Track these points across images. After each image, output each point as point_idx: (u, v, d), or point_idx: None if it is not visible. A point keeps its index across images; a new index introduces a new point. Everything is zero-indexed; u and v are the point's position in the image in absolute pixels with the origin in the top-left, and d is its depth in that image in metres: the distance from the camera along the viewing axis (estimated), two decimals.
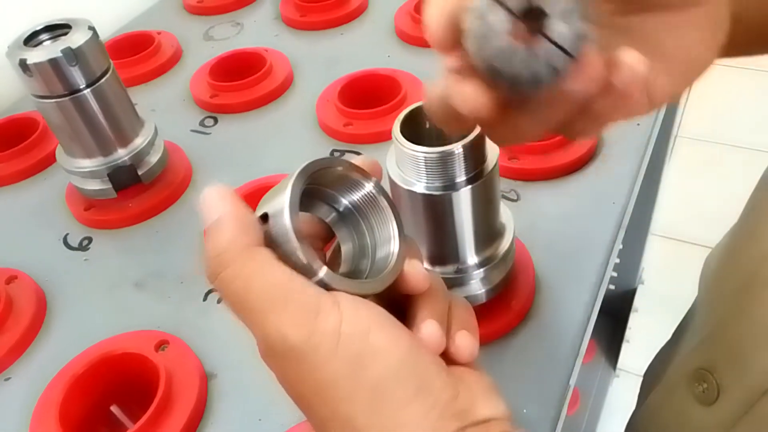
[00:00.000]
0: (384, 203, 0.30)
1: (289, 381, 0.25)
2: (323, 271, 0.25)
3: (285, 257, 0.25)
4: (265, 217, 0.26)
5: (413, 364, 0.24)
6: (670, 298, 1.10)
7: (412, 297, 0.28)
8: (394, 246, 0.29)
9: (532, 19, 0.22)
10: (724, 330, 0.38)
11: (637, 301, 1.29)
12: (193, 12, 0.91)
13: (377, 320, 0.25)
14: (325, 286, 0.25)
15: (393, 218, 0.29)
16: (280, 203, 0.25)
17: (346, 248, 0.30)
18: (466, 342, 0.28)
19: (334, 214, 0.30)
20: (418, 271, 0.28)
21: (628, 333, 1.30)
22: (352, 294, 0.25)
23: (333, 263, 0.31)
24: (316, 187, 0.29)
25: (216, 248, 0.25)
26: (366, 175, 0.29)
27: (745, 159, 1.79)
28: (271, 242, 0.26)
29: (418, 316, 0.27)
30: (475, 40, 0.23)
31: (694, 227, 1.63)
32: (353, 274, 0.30)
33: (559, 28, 0.22)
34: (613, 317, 1.30)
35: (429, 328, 0.26)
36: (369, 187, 0.29)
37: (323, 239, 0.31)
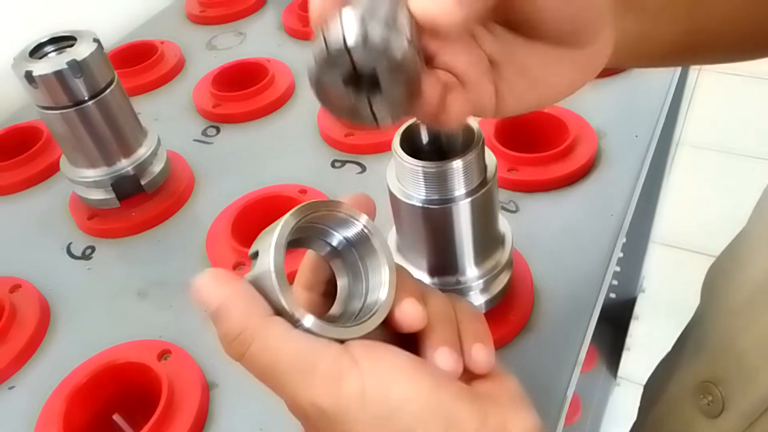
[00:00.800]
0: (377, 245, 0.30)
1: None
2: (308, 321, 0.26)
3: (273, 307, 0.26)
4: (255, 255, 0.27)
5: (436, 405, 0.25)
6: (671, 306, 1.10)
7: None
8: (382, 293, 0.29)
9: (359, 84, 0.25)
10: (730, 343, 0.38)
11: (638, 309, 1.29)
12: (196, 21, 0.92)
13: (396, 369, 0.25)
14: (310, 332, 0.26)
15: (386, 263, 0.30)
16: (265, 259, 0.26)
17: (341, 284, 0.31)
18: (482, 355, 0.28)
19: (329, 249, 0.31)
20: (409, 314, 0.28)
21: (628, 341, 1.30)
22: (337, 340, 0.26)
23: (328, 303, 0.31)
24: (312, 224, 0.29)
25: (233, 330, 0.26)
26: (355, 214, 0.30)
27: (747, 167, 1.80)
28: (259, 292, 0.27)
29: (428, 346, 0.27)
30: (311, 81, 0.26)
31: (695, 235, 1.63)
32: (344, 314, 0.30)
33: (380, 106, 0.26)
34: (614, 325, 1.30)
35: (442, 358, 0.27)
36: (359, 226, 0.30)
37: (332, 283, 0.31)
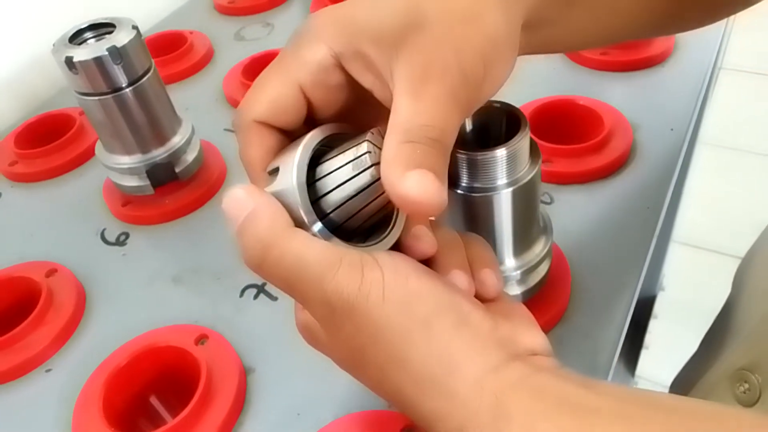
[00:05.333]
0: None
1: (346, 334, 0.26)
2: (329, 237, 0.27)
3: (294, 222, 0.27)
4: (275, 171, 0.28)
5: (450, 303, 0.26)
6: (690, 305, 1.09)
7: None
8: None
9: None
10: (765, 330, 0.38)
11: (657, 308, 1.29)
12: (224, 12, 0.92)
13: (413, 270, 0.26)
14: None
15: None
16: (288, 176, 0.27)
17: None
18: (489, 279, 0.29)
19: None
20: (421, 239, 0.29)
21: (647, 339, 1.29)
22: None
23: None
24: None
25: (256, 235, 0.26)
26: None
27: (764, 166, 1.78)
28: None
29: (440, 270, 0.29)
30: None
31: (714, 235, 1.62)
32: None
33: None
34: (633, 323, 1.29)
35: (456, 279, 0.28)
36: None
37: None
